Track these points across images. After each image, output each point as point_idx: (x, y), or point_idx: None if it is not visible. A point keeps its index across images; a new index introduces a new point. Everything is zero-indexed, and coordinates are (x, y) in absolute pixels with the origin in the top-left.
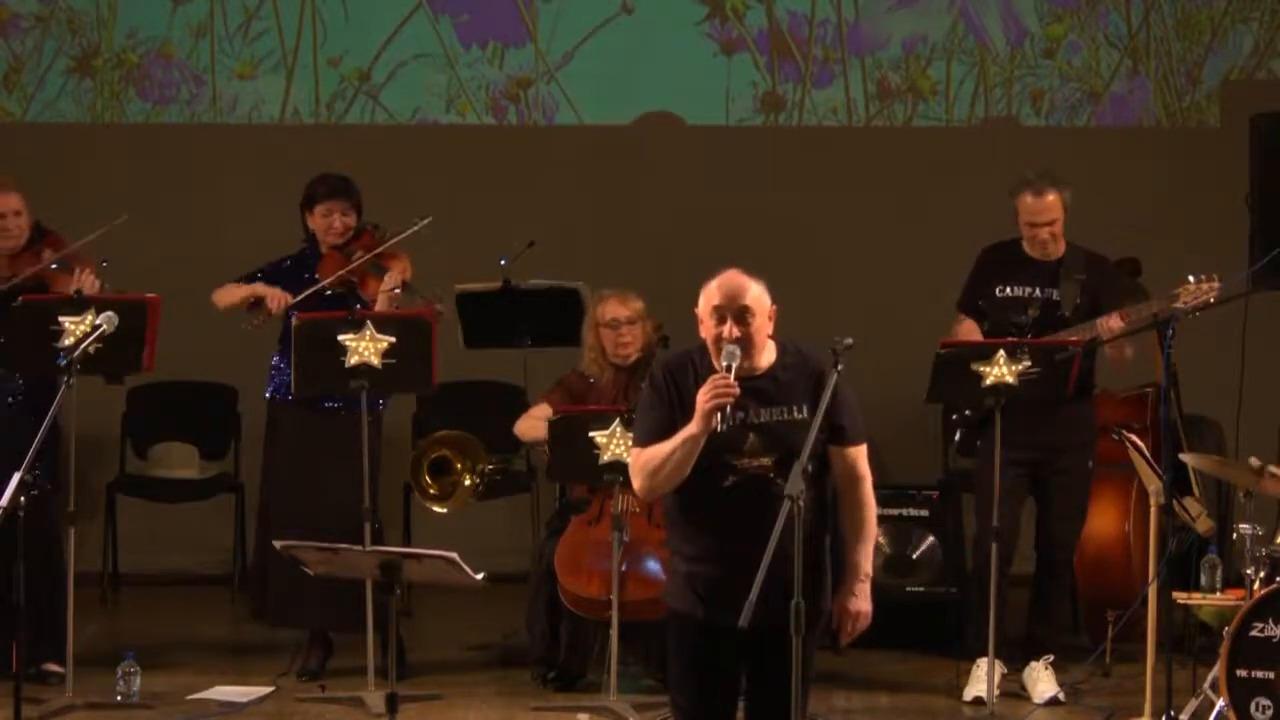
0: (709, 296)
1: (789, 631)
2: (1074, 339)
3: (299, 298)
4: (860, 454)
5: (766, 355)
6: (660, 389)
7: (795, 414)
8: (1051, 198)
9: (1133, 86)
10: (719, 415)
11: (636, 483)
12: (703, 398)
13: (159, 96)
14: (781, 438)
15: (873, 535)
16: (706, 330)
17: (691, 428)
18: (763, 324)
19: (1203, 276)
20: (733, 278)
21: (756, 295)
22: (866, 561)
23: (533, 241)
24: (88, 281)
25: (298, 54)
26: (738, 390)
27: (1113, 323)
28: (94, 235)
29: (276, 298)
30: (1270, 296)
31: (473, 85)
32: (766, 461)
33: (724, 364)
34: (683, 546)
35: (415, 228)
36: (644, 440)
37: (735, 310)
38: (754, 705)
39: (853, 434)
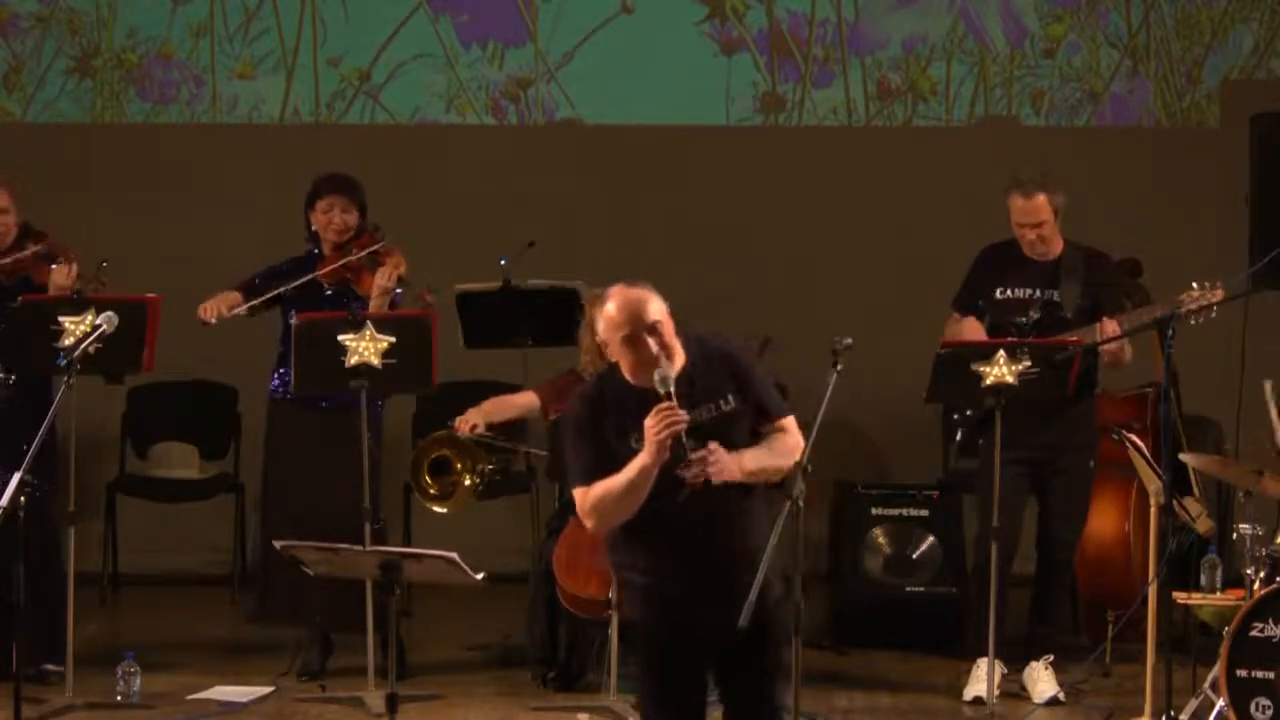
0: (614, 326)
1: (754, 632)
2: (1073, 339)
3: (263, 297)
4: (789, 422)
5: (679, 358)
6: (582, 425)
7: (724, 405)
8: (1040, 200)
9: (1133, 86)
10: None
11: (589, 522)
12: (652, 429)
13: (159, 96)
14: (720, 433)
15: (774, 455)
16: (621, 356)
17: (644, 458)
18: (671, 329)
19: (1207, 283)
20: (630, 299)
21: (658, 306)
22: (751, 458)
23: (533, 241)
24: (63, 271)
25: (298, 54)
26: (686, 416)
27: (1111, 327)
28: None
29: (208, 308)
30: (1270, 296)
31: (473, 85)
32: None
33: (660, 390)
34: (636, 561)
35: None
36: (585, 479)
37: (648, 328)
38: (728, 706)
39: (775, 408)
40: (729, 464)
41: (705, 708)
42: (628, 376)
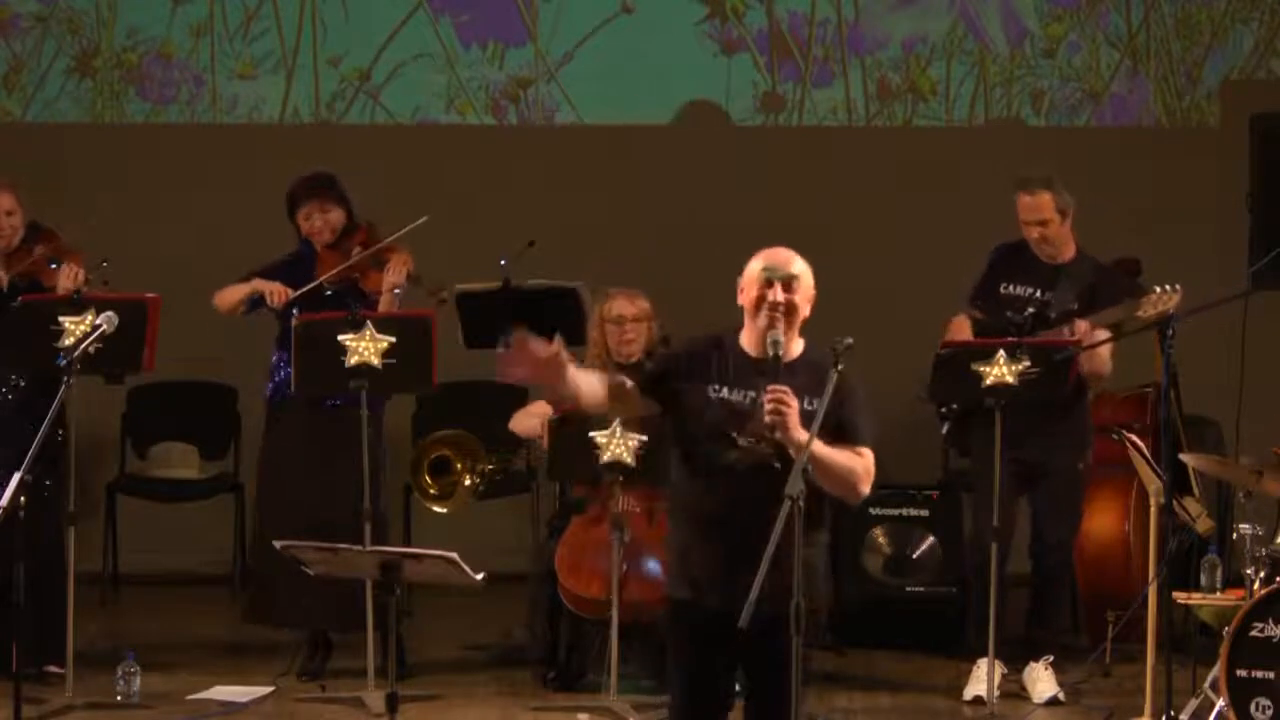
0: (755, 262)
1: (781, 628)
2: (1074, 340)
3: (300, 291)
4: (867, 453)
5: (796, 345)
6: (691, 347)
7: (806, 406)
8: (1044, 197)
9: (1133, 86)
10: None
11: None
12: (769, 396)
13: (159, 96)
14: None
15: (837, 454)
16: (748, 296)
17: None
18: (805, 299)
19: (1167, 286)
20: (782, 250)
21: (803, 271)
22: (821, 446)
23: (533, 241)
24: (68, 273)
25: (298, 54)
26: (795, 406)
27: (1083, 328)
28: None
29: (276, 292)
30: (1270, 296)
31: (473, 85)
32: (768, 446)
33: (770, 351)
34: (679, 530)
35: (411, 226)
36: (643, 376)
37: (783, 277)
38: (752, 703)
39: (856, 435)
40: (795, 419)
41: (728, 698)
42: (745, 331)
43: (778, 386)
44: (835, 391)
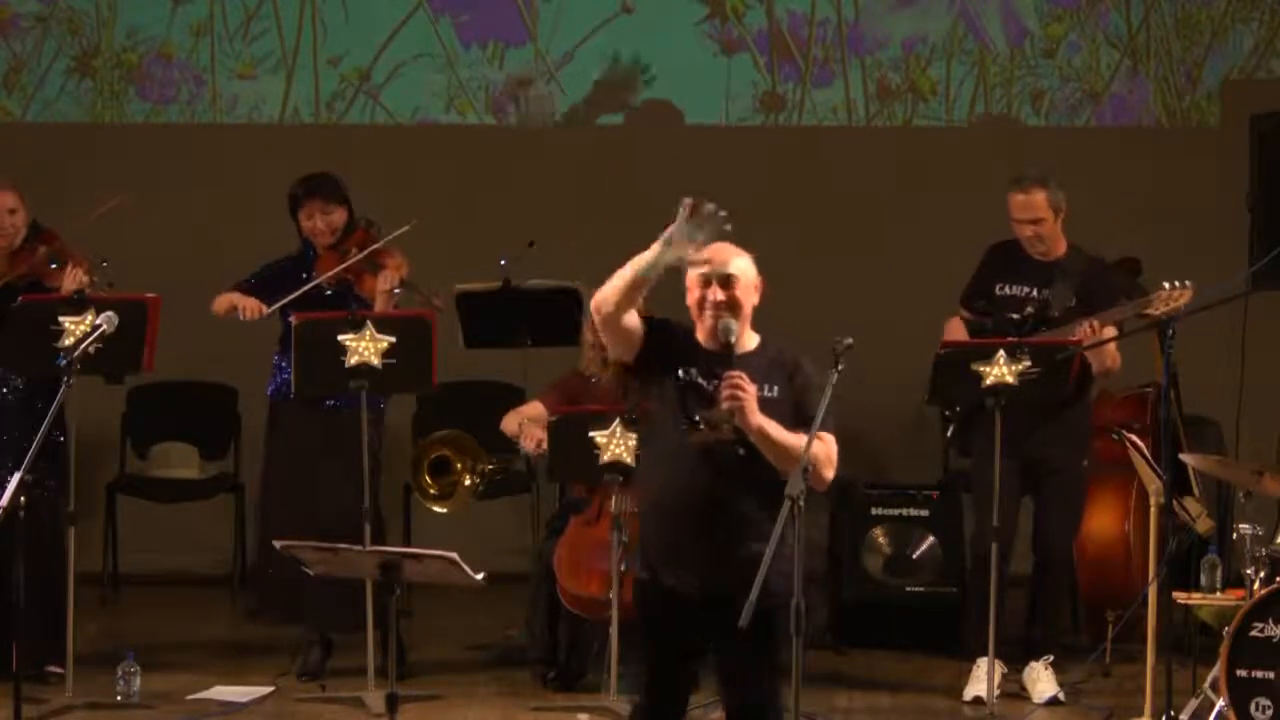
0: (696, 264)
1: (755, 630)
2: (1074, 340)
3: (287, 298)
4: (827, 436)
5: (750, 339)
6: (665, 324)
7: (766, 392)
8: (1038, 196)
9: (1133, 86)
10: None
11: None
12: (727, 382)
13: (159, 96)
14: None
15: (795, 439)
16: (691, 298)
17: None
18: (747, 293)
19: (1178, 283)
20: (721, 247)
21: (742, 266)
22: (770, 424)
23: (533, 241)
24: (72, 276)
25: (298, 54)
26: (753, 390)
27: (1089, 328)
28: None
29: (249, 308)
30: (1270, 296)
31: (473, 85)
32: (728, 427)
33: (722, 338)
34: (645, 504)
35: (404, 229)
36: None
37: (720, 276)
38: (728, 705)
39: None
40: (753, 404)
41: (690, 680)
42: (696, 325)
43: (734, 372)
44: (793, 379)
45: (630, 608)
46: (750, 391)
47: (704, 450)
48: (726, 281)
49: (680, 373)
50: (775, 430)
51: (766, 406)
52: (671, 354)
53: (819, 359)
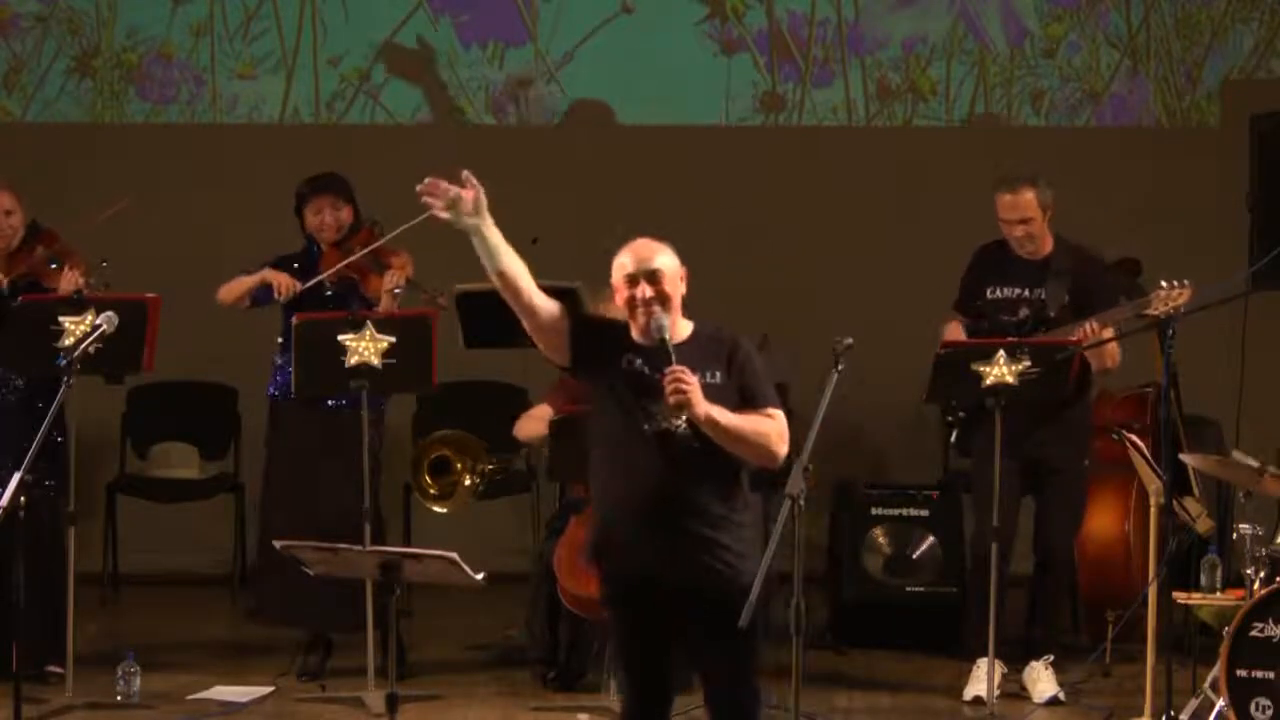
0: (619, 265)
1: (704, 593)
2: (1073, 340)
3: (307, 284)
4: (776, 413)
5: (683, 327)
6: (587, 318)
7: (708, 379)
8: (1027, 196)
9: (1133, 86)
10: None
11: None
12: (668, 379)
13: (159, 96)
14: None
15: (746, 422)
16: (620, 297)
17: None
18: (674, 285)
19: (1175, 282)
20: (641, 244)
21: (665, 260)
22: (720, 413)
23: (536, 238)
24: (70, 277)
25: (298, 54)
26: (695, 384)
27: (1089, 328)
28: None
29: (284, 284)
30: (1270, 296)
31: (473, 85)
32: (680, 421)
33: (655, 335)
34: (599, 498)
35: (413, 222)
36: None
37: (646, 273)
38: (705, 685)
39: (762, 397)
40: (698, 396)
41: (670, 675)
42: (631, 325)
43: (675, 367)
44: (732, 360)
45: None
46: (693, 384)
47: (658, 442)
48: (652, 277)
49: (624, 362)
50: (725, 417)
51: (710, 393)
52: (607, 351)
53: (819, 359)
